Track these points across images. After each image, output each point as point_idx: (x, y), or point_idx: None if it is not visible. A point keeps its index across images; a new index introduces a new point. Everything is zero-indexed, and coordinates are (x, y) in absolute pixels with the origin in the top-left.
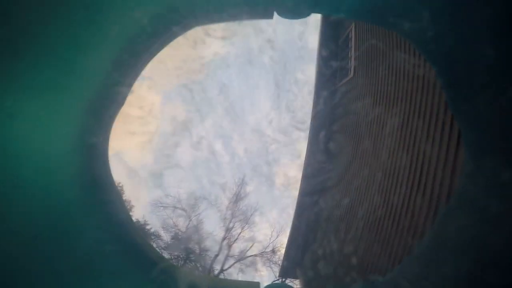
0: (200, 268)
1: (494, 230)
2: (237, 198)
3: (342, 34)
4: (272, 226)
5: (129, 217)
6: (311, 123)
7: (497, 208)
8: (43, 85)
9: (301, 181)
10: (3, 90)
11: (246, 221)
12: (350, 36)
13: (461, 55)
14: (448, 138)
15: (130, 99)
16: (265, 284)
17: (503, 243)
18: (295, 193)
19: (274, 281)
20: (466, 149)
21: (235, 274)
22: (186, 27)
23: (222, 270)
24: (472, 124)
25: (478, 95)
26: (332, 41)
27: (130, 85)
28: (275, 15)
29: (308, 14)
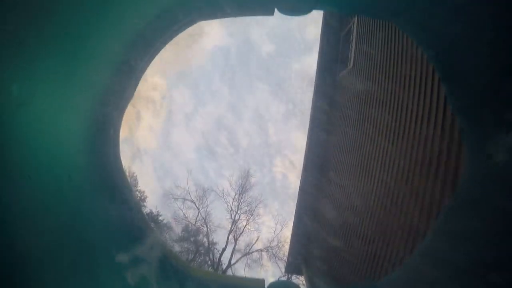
0: (209, 262)
1: (495, 228)
2: (243, 190)
3: (344, 27)
4: (275, 219)
5: (140, 207)
6: (311, 113)
7: (498, 206)
8: (51, 75)
9: (302, 173)
10: (10, 79)
11: (251, 212)
12: (352, 29)
13: (461, 50)
14: (450, 133)
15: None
16: (271, 280)
17: (504, 240)
18: (297, 185)
19: (280, 277)
20: (467, 146)
21: (241, 268)
22: (190, 22)
23: (229, 265)
24: (472, 120)
25: (478, 91)
26: (334, 33)
27: (139, 76)
28: (276, 11)
29: (309, 11)
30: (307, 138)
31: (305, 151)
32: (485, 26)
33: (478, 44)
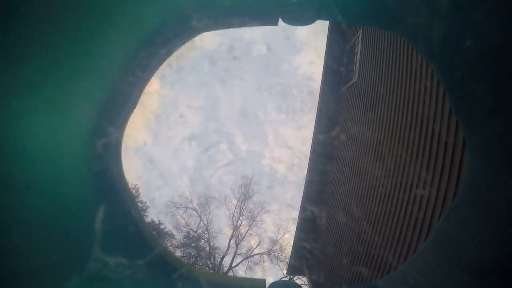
0: (210, 265)
1: (496, 228)
2: (245, 197)
3: (350, 40)
4: (278, 224)
5: (142, 217)
6: (315, 124)
7: (501, 206)
8: (52, 86)
9: (306, 179)
10: (9, 90)
11: (253, 218)
12: (357, 42)
13: (464, 59)
14: (454, 140)
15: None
16: (272, 281)
17: (507, 240)
18: (300, 190)
19: (282, 278)
20: (469, 151)
21: (242, 271)
22: (194, 32)
23: (230, 268)
24: (475, 125)
25: (481, 98)
26: (339, 46)
27: (143, 86)
28: (280, 21)
29: (313, 21)
30: (311, 148)
31: (309, 157)
32: (494, 31)
33: (485, 52)
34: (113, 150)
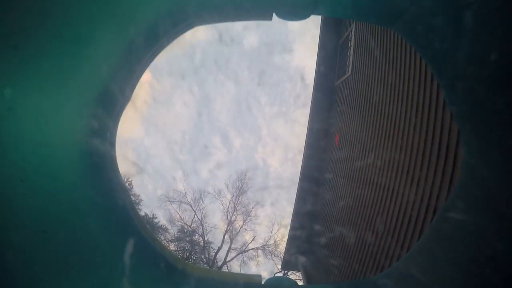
0: (204, 260)
1: (493, 225)
2: (240, 192)
3: (343, 34)
4: (272, 219)
5: (136, 211)
6: (309, 117)
7: (500, 204)
8: (44, 78)
9: (300, 174)
10: (3, 82)
11: (248, 213)
12: (350, 36)
13: (459, 54)
14: (448, 134)
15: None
16: (267, 277)
17: (502, 238)
18: (295, 184)
19: (276, 273)
20: (464, 145)
21: (237, 266)
22: (188, 26)
23: (225, 262)
24: (470, 121)
25: (476, 93)
26: (332, 40)
27: (136, 80)
28: (274, 16)
29: (308, 16)
30: (305, 144)
31: (304, 148)
32: (489, 28)
33: (481, 48)
34: (108, 143)
